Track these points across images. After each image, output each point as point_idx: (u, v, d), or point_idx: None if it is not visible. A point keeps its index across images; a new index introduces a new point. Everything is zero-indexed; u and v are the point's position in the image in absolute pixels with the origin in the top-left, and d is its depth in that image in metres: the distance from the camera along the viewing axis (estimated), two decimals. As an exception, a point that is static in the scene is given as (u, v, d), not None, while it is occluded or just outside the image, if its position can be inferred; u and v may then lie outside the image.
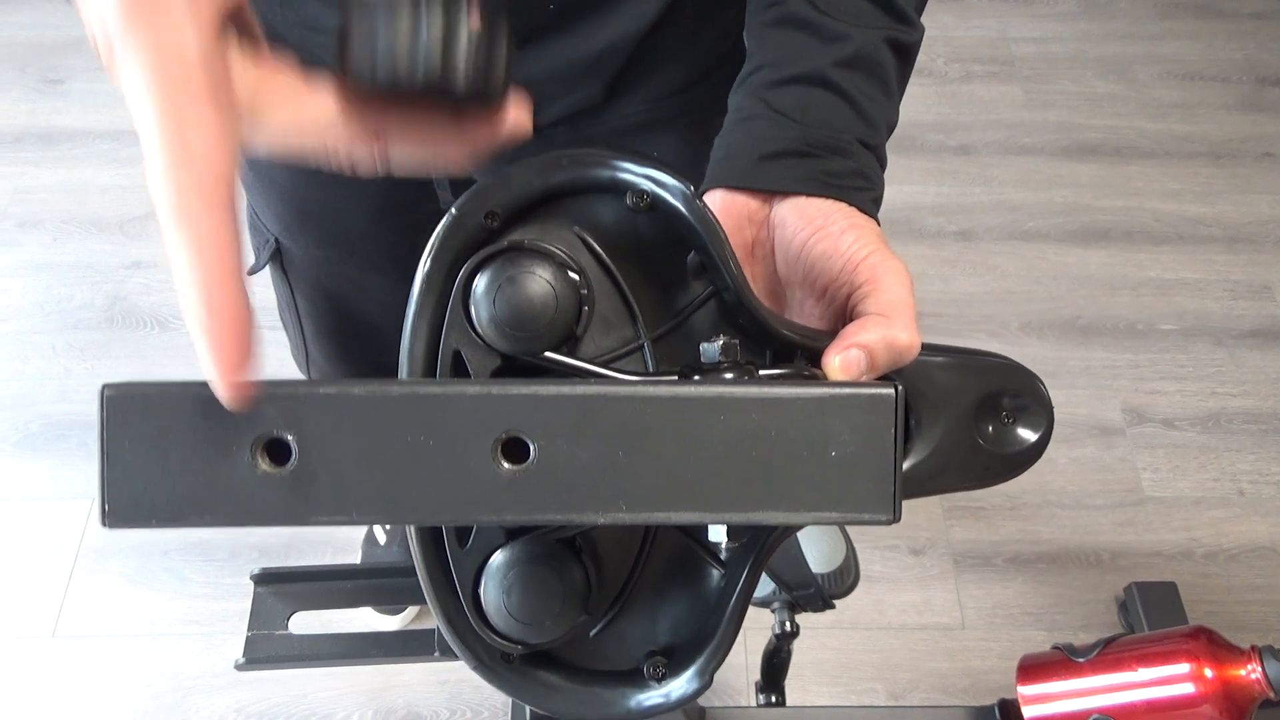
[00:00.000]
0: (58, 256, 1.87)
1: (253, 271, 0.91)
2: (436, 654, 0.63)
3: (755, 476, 0.32)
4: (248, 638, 0.62)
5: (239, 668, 0.62)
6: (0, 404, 1.69)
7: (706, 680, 0.39)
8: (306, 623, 0.63)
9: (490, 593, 0.38)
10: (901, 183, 1.98)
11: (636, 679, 0.41)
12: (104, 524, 0.31)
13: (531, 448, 0.31)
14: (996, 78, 2.18)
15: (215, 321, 0.28)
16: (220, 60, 0.30)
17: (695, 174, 0.71)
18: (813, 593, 0.83)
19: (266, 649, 0.62)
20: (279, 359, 1.20)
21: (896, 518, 0.32)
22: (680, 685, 0.40)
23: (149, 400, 0.31)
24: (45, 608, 1.48)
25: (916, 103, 2.11)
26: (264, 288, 0.95)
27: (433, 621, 0.41)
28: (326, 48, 0.33)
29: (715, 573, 0.42)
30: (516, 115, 0.35)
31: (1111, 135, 2.08)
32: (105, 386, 0.31)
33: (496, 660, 0.40)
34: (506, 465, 0.31)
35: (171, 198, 0.29)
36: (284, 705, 1.41)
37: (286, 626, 0.62)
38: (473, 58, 0.30)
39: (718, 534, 0.38)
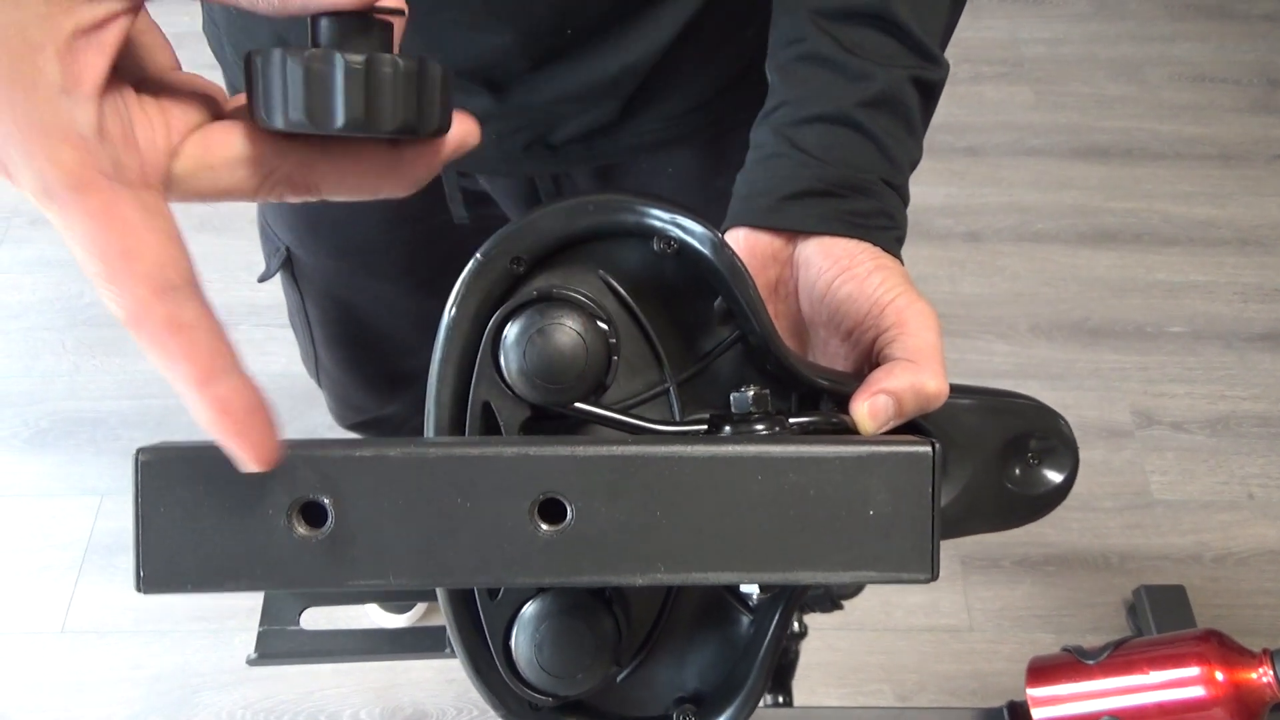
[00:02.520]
0: (68, 253, 1.86)
1: (264, 279, 0.91)
2: (448, 651, 0.63)
3: (793, 535, 0.32)
4: (259, 633, 0.62)
5: (250, 663, 0.62)
6: (10, 400, 1.69)
7: None
8: (317, 619, 0.63)
9: (522, 646, 0.38)
10: (910, 184, 1.97)
11: None
12: (139, 590, 0.31)
13: (569, 509, 0.31)
14: (1006, 79, 2.17)
15: (222, 418, 0.28)
16: (118, 125, 0.27)
17: (710, 189, 0.70)
18: (820, 593, 0.83)
19: (278, 644, 0.62)
20: (288, 357, 1.21)
21: (935, 576, 0.32)
22: None
23: (185, 464, 0.31)
24: (54, 603, 1.49)
25: (926, 104, 2.10)
26: (275, 288, 0.95)
27: (440, 619, 0.41)
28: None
29: (744, 619, 0.42)
30: (463, 129, 0.32)
31: (1122, 137, 2.07)
32: (140, 451, 0.31)
33: (525, 710, 0.40)
34: (544, 526, 0.31)
35: (123, 308, 0.27)
36: (291, 702, 1.42)
37: (298, 622, 0.63)
38: (400, 95, 0.28)
39: (750, 585, 0.38)
